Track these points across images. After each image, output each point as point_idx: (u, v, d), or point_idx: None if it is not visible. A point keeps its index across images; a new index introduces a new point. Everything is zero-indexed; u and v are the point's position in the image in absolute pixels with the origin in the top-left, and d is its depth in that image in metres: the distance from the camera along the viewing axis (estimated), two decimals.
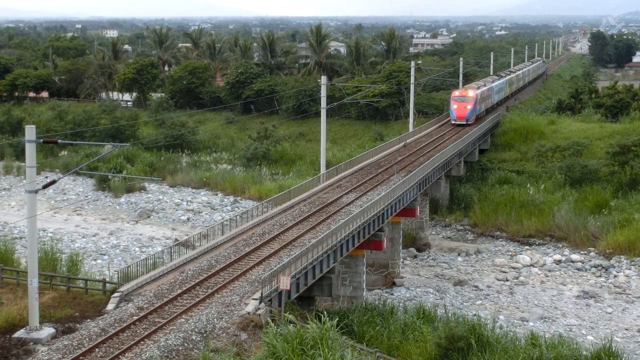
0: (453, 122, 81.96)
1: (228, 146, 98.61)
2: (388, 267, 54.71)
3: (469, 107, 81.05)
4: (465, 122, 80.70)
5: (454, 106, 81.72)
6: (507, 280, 55.95)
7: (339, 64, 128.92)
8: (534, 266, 58.73)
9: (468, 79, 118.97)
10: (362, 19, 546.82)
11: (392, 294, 51.65)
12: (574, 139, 79.01)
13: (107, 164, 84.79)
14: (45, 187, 30.53)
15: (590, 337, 44.66)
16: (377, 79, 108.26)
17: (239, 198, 77.62)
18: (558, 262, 59.29)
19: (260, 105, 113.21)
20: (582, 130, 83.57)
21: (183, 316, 29.19)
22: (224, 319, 28.90)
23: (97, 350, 26.34)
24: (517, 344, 35.30)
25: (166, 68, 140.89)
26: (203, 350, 26.07)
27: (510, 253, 61.91)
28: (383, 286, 53.72)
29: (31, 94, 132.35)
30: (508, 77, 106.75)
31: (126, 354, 25.81)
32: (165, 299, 30.98)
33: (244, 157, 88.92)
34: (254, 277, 33.50)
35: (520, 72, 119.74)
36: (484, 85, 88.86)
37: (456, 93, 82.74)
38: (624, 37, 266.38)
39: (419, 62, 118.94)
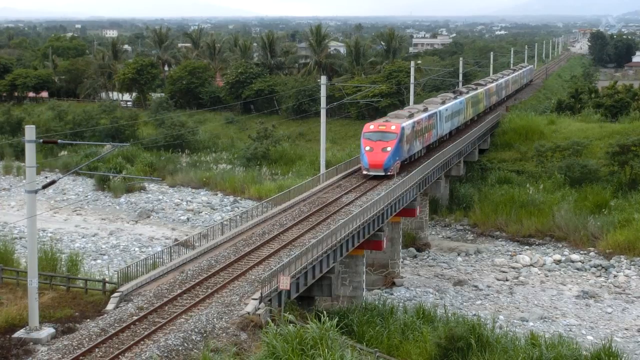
0: (365, 171, 55.29)
1: (228, 146, 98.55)
2: (388, 267, 54.71)
3: (390, 148, 54.69)
4: (382, 172, 54.50)
5: (365, 147, 55.07)
6: (506, 280, 55.96)
7: (338, 63, 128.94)
8: (533, 266, 58.73)
9: (468, 79, 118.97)
10: (361, 19, 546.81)
11: (392, 294, 51.65)
12: (573, 138, 78.99)
13: (107, 164, 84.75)
14: (45, 187, 30.52)
15: (590, 337, 44.67)
16: (377, 79, 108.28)
17: (239, 198, 77.61)
18: (558, 262, 59.29)
19: (260, 105, 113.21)
20: (582, 130, 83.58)
21: (183, 316, 29.20)
22: (223, 319, 28.90)
23: (97, 350, 26.34)
24: (517, 344, 35.30)
25: (166, 68, 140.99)
26: (203, 350, 26.06)
27: (510, 253, 61.91)
28: (383, 286, 53.71)
29: (31, 94, 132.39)
30: (472, 93, 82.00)
31: (126, 354, 25.81)
32: (165, 299, 30.97)
33: (243, 157, 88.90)
34: (253, 277, 33.50)
35: (494, 84, 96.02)
36: (423, 111, 63.69)
37: (371, 126, 56.74)
38: (624, 37, 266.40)
39: (419, 62, 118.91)
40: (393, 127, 55.75)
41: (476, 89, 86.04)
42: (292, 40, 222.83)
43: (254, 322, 28.72)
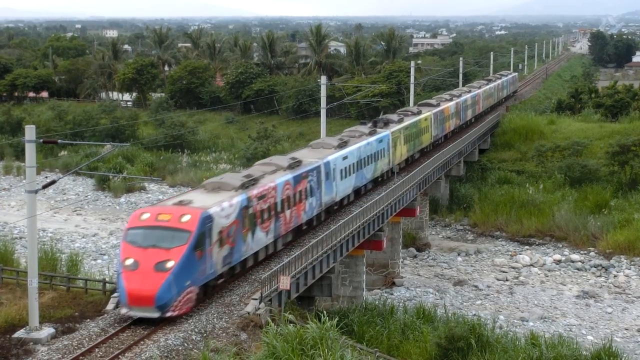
0: (123, 309, 28.50)
1: (228, 146, 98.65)
2: (388, 267, 54.72)
3: (173, 263, 28.20)
4: (156, 313, 28.03)
5: (125, 260, 28.78)
6: (507, 280, 55.98)
7: (338, 63, 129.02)
8: (533, 266, 58.76)
9: (468, 79, 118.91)
10: (361, 19, 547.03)
11: (392, 294, 51.66)
12: (573, 138, 79.07)
13: (107, 164, 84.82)
14: (45, 187, 30.53)
15: (590, 337, 44.68)
16: (377, 79, 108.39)
17: None
18: (558, 262, 59.32)
19: (260, 105, 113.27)
20: (582, 130, 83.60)
21: (183, 316, 29.18)
22: (223, 319, 28.90)
23: (97, 350, 26.33)
24: (517, 344, 35.32)
25: (166, 68, 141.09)
26: (203, 350, 26.06)
27: (510, 253, 61.93)
28: (383, 286, 53.74)
29: (31, 94, 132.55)
30: (409, 120, 58.54)
31: (126, 354, 25.80)
32: None
33: (243, 157, 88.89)
34: (253, 277, 33.50)
35: (454, 102, 72.98)
36: (287, 170, 37.76)
37: (142, 216, 29.88)
38: (624, 36, 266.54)
39: (419, 62, 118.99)
40: (185, 219, 28.98)
41: (419, 112, 63.09)
42: (292, 40, 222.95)
43: (254, 322, 28.71)
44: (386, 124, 55.18)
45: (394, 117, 58.87)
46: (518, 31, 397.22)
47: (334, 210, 43.60)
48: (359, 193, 48.12)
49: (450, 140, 70.34)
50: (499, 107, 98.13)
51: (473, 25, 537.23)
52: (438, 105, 68.79)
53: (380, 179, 52.09)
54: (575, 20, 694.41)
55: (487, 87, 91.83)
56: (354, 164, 45.90)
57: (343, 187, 44.33)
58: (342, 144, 45.85)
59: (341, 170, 43.75)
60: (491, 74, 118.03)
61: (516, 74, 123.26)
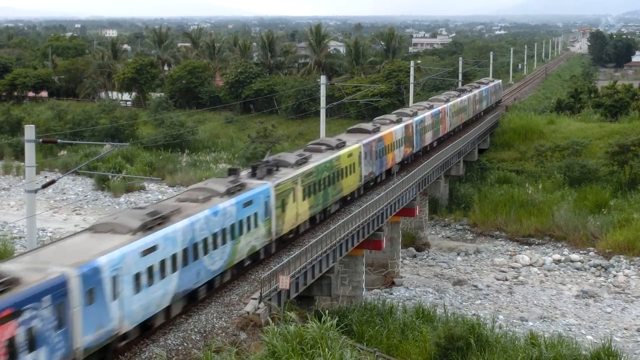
0: None
1: (227, 146, 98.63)
2: (387, 267, 54.73)
3: None
4: None
5: None
6: (506, 279, 55.99)
7: (338, 63, 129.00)
8: (533, 266, 58.76)
9: (468, 78, 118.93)
10: (361, 19, 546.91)
11: (392, 294, 51.67)
12: (573, 138, 79.06)
13: (107, 163, 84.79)
14: (44, 186, 30.56)
15: (589, 337, 44.69)
16: (377, 79, 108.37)
17: None
18: (557, 261, 59.32)
19: (259, 105, 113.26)
20: (582, 129, 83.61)
21: (182, 316, 29.18)
22: (223, 319, 28.90)
23: None
24: (516, 344, 35.34)
25: (165, 68, 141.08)
26: (204, 349, 26.05)
27: (509, 253, 61.93)
28: (382, 286, 53.75)
29: (30, 94, 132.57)
30: (315, 162, 40.53)
31: (126, 354, 25.79)
32: None
33: (243, 157, 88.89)
34: (253, 276, 33.50)
35: (401, 125, 56.38)
36: None
37: None
38: (623, 36, 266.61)
39: (419, 61, 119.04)
40: None
41: (341, 146, 45.84)
42: (292, 40, 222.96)
43: (254, 322, 28.71)
44: (271, 171, 36.85)
45: (291, 158, 39.71)
46: (518, 31, 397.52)
47: (121, 349, 25.03)
48: (195, 297, 29.44)
49: (385, 184, 51.79)
50: (476, 122, 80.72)
51: (473, 25, 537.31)
52: (376, 131, 52.32)
53: (248, 263, 33.62)
54: (575, 20, 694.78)
55: (458, 100, 74.78)
56: (175, 255, 27.19)
57: (143, 304, 25.57)
58: (151, 223, 26.55)
59: (138, 275, 25.11)
60: (490, 75, 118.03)
61: (500, 81, 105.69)
